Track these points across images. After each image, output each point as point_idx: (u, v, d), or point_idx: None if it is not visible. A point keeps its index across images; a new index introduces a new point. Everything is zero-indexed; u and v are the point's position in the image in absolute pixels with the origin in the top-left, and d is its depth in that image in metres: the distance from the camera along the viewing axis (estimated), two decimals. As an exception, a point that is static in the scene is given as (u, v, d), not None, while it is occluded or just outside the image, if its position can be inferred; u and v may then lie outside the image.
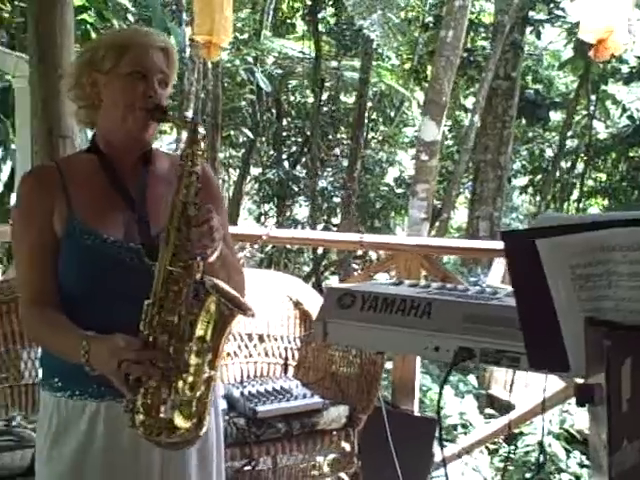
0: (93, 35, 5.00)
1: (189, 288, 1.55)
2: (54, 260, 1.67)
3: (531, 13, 11.18)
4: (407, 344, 1.70)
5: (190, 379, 1.53)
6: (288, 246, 12.56)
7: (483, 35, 12.06)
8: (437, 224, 11.01)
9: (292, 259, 13.30)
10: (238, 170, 13.97)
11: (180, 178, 1.59)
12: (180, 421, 1.53)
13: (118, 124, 1.69)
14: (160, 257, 1.56)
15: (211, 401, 1.58)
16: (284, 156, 13.62)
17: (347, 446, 2.85)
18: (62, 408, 1.70)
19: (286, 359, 3.12)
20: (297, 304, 3.18)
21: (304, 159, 13.27)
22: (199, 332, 1.52)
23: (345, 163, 12.37)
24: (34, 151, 3.34)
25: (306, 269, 13.03)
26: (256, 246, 3.56)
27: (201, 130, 1.61)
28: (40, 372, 2.78)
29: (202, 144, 1.61)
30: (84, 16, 4.86)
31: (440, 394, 1.69)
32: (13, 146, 5.41)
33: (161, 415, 1.53)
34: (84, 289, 1.66)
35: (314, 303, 3.15)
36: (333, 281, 12.96)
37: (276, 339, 3.19)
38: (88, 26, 4.97)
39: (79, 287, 1.67)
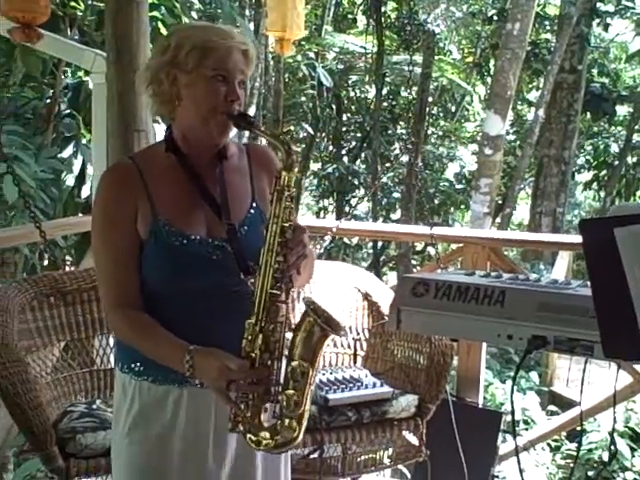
0: (163, 31, 5.15)
1: (287, 306, 1.60)
2: (137, 261, 1.70)
3: (598, 4, 10.97)
4: (480, 332, 1.74)
5: (295, 397, 1.58)
6: (346, 241, 12.63)
7: (548, 28, 11.89)
8: (498, 219, 10.92)
9: (350, 254, 13.33)
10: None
11: (277, 202, 1.60)
12: (281, 428, 1.59)
13: (198, 125, 1.70)
14: (260, 280, 1.59)
15: (309, 409, 1.62)
16: (343, 151, 13.65)
17: (416, 435, 2.89)
18: (144, 393, 1.74)
19: (355, 350, 3.16)
20: (366, 296, 3.21)
21: (364, 154, 13.28)
22: (299, 350, 1.58)
23: (405, 158, 12.36)
24: (109, 145, 3.45)
25: (364, 265, 13.04)
26: (327, 237, 3.56)
27: (294, 148, 1.61)
28: (112, 358, 2.93)
29: (296, 164, 1.61)
30: (154, 13, 5.01)
31: (514, 381, 1.72)
32: (84, 141, 5.58)
33: (264, 424, 1.60)
34: (169, 287, 1.69)
35: (383, 295, 3.19)
36: (391, 277, 12.95)
37: (348, 332, 3.21)
38: (159, 23, 5.13)
39: (163, 285, 1.70)
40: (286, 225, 1.59)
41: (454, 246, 3.98)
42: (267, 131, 1.68)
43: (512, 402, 1.64)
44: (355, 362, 3.17)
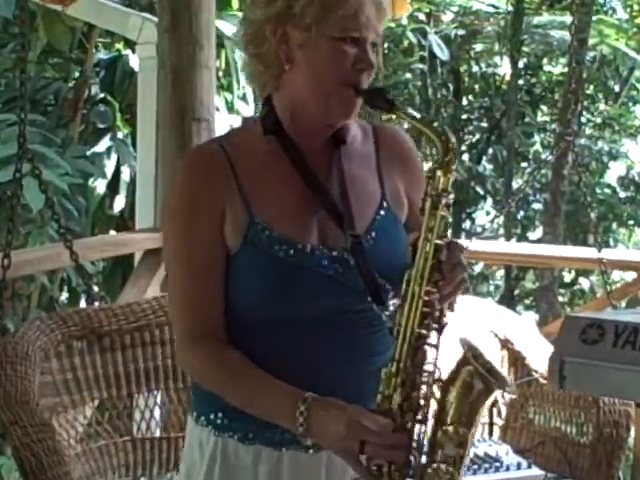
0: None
1: (438, 352, 1.64)
2: (223, 278, 1.74)
3: None
4: (680, 394, 1.71)
5: (447, 475, 1.62)
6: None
7: None
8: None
9: (472, 287, 13.21)
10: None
11: (432, 211, 1.63)
12: None
13: (315, 101, 1.73)
14: (404, 315, 1.62)
15: None
16: (464, 147, 13.56)
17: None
18: (229, 454, 1.78)
19: (491, 417, 3.11)
20: (505, 343, 3.16)
21: (491, 150, 13.17)
22: (453, 411, 1.62)
23: (547, 156, 12.17)
24: (159, 139, 3.54)
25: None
26: None
27: (453, 140, 1.65)
28: (160, 423, 2.96)
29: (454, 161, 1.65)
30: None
31: None
32: (120, 135, 5.72)
33: None
34: (266, 312, 1.73)
35: (528, 342, 3.15)
36: (527, 317, 12.72)
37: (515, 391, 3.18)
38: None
39: (259, 309, 1.73)
40: (441, 243, 1.62)
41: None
42: (416, 115, 1.72)
43: None
44: (491, 434, 3.11)
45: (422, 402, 1.61)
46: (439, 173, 1.62)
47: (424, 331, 1.61)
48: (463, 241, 3.58)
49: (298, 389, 1.64)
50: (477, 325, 3.18)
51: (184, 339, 1.78)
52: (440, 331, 1.63)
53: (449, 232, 1.68)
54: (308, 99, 1.73)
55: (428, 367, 1.62)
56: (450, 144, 1.63)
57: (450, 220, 1.63)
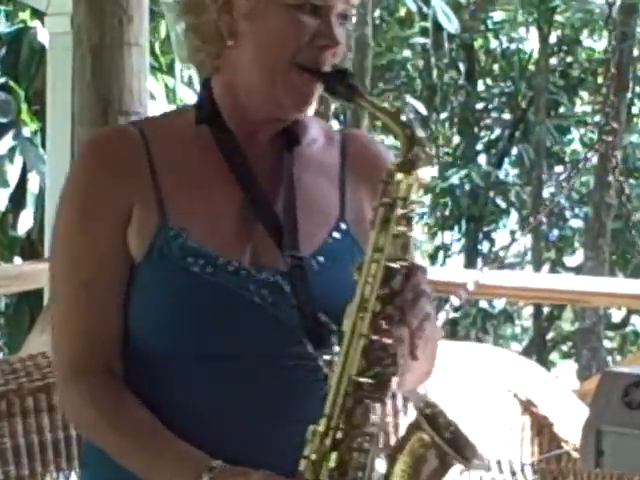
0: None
1: (384, 409, 1.69)
2: (120, 296, 1.75)
3: None
4: None
5: None
6: (485, 306, 12.60)
7: None
8: None
9: (492, 330, 13.37)
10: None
11: (383, 224, 1.61)
12: None
13: (263, 87, 1.76)
14: (341, 358, 1.60)
15: None
16: (479, 146, 13.67)
17: None
18: None
19: (507, 501, 3.08)
20: (527, 405, 3.15)
21: (516, 150, 13.25)
22: None
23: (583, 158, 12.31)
24: (76, 136, 3.56)
25: (516, 347, 13.04)
26: (453, 300, 3.53)
27: (420, 135, 1.64)
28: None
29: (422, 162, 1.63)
30: None
31: None
32: (26, 131, 5.75)
33: None
34: (171, 345, 1.73)
35: (558, 404, 3.13)
36: (565, 368, 12.87)
37: (491, 466, 3.14)
38: None
39: (163, 342, 1.74)
40: (395, 266, 1.60)
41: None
42: (379, 104, 1.76)
43: None
44: (509, 525, 3.08)
45: (359, 474, 1.58)
46: (399, 176, 1.61)
47: (367, 380, 1.58)
48: (475, 272, 3.56)
49: (205, 455, 1.64)
50: (493, 383, 3.21)
51: (65, 372, 1.79)
52: (388, 382, 1.60)
53: (414, 254, 1.74)
54: (253, 83, 1.77)
55: (371, 429, 1.60)
56: (416, 138, 1.62)
57: (411, 238, 1.64)
